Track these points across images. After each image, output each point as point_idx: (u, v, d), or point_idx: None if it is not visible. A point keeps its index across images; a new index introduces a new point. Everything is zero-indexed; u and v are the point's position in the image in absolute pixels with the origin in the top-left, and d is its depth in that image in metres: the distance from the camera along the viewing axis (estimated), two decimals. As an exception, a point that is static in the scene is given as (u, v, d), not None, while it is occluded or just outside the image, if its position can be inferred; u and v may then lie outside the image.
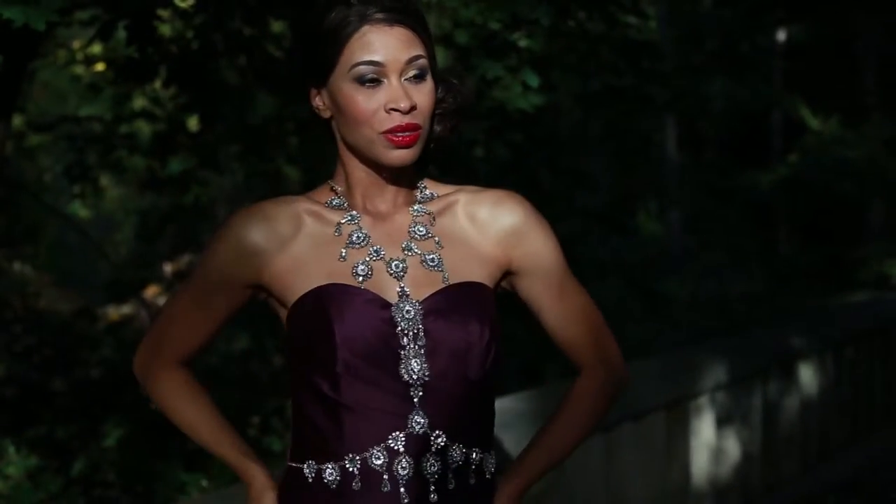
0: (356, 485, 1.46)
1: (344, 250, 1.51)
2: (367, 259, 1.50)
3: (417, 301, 1.48)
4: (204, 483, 5.51)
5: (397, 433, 1.46)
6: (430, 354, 1.47)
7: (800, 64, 15.35)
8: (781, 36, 15.44)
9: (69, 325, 8.65)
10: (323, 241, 1.52)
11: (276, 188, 8.68)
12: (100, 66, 7.32)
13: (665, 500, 4.24)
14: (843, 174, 13.69)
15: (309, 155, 6.49)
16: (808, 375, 5.38)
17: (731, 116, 14.59)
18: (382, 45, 1.46)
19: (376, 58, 1.46)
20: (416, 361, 1.46)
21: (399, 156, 1.48)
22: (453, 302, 1.49)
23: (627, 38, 6.72)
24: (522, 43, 5.01)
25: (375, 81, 1.47)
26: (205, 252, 1.55)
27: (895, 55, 14.70)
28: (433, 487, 1.46)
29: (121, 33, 4.27)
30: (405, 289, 1.49)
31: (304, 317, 1.49)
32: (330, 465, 1.48)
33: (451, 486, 1.48)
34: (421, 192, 1.58)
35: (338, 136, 1.55)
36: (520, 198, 1.58)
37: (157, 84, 5.25)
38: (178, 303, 1.58)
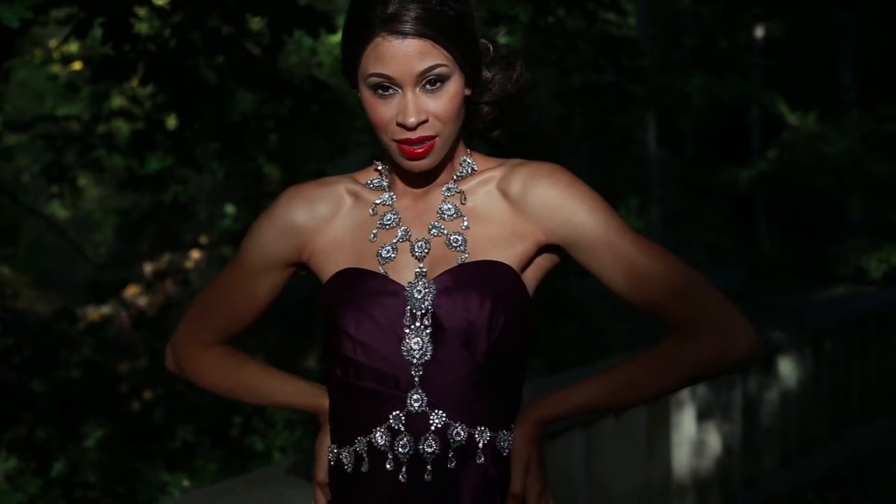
0: (364, 467, 1.50)
1: (375, 231, 1.54)
2: (395, 240, 1.53)
3: (430, 281, 1.49)
4: (185, 483, 5.49)
5: (397, 412, 1.48)
6: (435, 334, 1.47)
7: (778, 60, 15.44)
8: (759, 32, 15.52)
9: (48, 325, 8.59)
10: (359, 221, 1.56)
11: (256, 186, 8.64)
12: (76, 65, 7.29)
13: (646, 494, 4.26)
14: (821, 170, 13.76)
15: (289, 152, 6.46)
16: (787, 369, 5.41)
17: (711, 112, 14.66)
18: (393, 57, 1.45)
19: (387, 71, 1.46)
20: (416, 341, 1.47)
21: (413, 166, 1.50)
22: (461, 281, 1.48)
23: (607, 35, 6.73)
24: (502, 40, 5.02)
25: (389, 90, 1.47)
26: (249, 233, 1.60)
27: (872, 51, 14.80)
28: (429, 467, 1.47)
29: (97, 31, 4.25)
30: (423, 269, 1.50)
31: (326, 300, 1.53)
32: (346, 451, 1.52)
33: (451, 465, 1.47)
34: (461, 167, 1.57)
35: None
36: (555, 169, 1.54)
37: (135, 82, 5.21)
38: (220, 284, 1.63)
